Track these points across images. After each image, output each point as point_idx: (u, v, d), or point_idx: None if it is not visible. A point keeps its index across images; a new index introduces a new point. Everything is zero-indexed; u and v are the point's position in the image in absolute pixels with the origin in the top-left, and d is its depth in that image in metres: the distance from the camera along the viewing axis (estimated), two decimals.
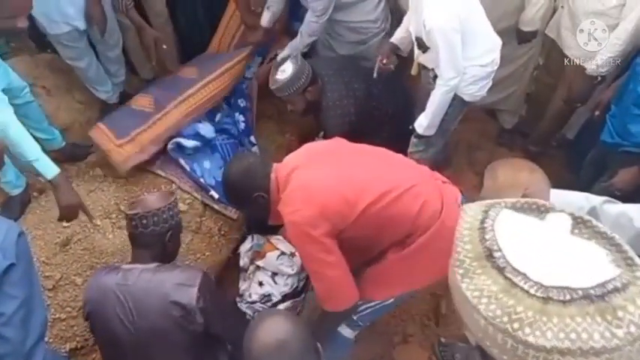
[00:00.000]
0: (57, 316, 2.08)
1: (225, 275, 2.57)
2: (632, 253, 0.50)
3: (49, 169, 1.87)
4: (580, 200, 1.43)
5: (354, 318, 1.78)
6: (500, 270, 0.50)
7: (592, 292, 0.47)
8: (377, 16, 2.69)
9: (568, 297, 0.47)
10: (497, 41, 2.21)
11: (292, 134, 3.09)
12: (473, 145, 3.12)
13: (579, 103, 2.57)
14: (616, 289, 0.47)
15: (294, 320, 1.12)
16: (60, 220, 1.95)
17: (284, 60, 2.40)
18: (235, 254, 2.58)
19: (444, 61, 2.02)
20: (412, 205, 1.59)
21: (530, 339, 0.48)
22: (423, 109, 2.28)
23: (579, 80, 2.43)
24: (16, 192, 2.41)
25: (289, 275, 2.41)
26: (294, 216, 1.53)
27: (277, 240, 2.50)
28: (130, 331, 1.55)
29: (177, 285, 1.53)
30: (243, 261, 2.53)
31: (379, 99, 2.58)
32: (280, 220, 1.66)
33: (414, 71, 2.36)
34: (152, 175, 2.54)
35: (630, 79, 2.13)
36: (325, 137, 2.56)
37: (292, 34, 2.81)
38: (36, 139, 2.53)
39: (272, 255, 2.44)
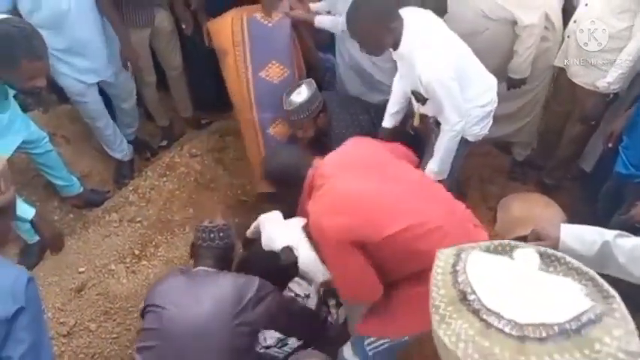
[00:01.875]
0: None
1: None
2: (607, 286, 0.50)
3: (28, 211, 1.90)
4: (593, 235, 1.40)
5: (368, 351, 1.76)
6: (476, 312, 0.50)
7: (567, 326, 0.46)
8: None
9: (544, 334, 0.47)
10: (493, 81, 2.21)
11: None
12: (485, 179, 3.10)
13: (593, 121, 2.56)
14: (591, 321, 0.46)
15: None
16: (51, 250, 2.01)
17: (299, 85, 2.45)
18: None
19: (448, 108, 2.02)
20: (437, 245, 1.53)
21: None
22: (430, 150, 2.28)
23: (592, 98, 2.45)
24: (34, 239, 2.46)
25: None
26: (320, 220, 1.51)
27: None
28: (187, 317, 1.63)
29: (236, 286, 1.69)
30: None
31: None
32: (304, 216, 1.73)
33: (416, 122, 2.38)
34: (166, 220, 2.58)
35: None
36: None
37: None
38: (55, 185, 2.65)
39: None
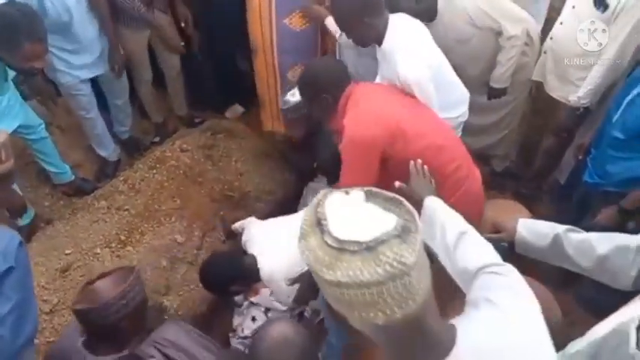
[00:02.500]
0: (51, 339, 2.14)
1: (219, 308, 2.62)
2: (412, 215, 0.71)
3: None
4: (546, 228, 1.51)
5: None
6: (323, 232, 0.70)
7: (370, 244, 0.66)
8: None
9: (356, 248, 0.66)
10: (466, 93, 2.32)
11: (291, 173, 3.22)
12: None
13: (565, 133, 2.70)
14: (383, 241, 0.66)
15: (300, 326, 1.27)
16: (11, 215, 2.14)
17: (295, 86, 2.56)
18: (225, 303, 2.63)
19: None
20: (449, 164, 1.82)
21: (327, 277, 0.68)
22: None
23: (565, 112, 2.60)
24: (24, 223, 2.55)
25: (282, 312, 2.45)
26: (355, 132, 1.72)
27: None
28: None
29: None
30: (238, 296, 2.58)
31: None
32: (335, 127, 1.86)
33: None
34: (154, 210, 2.67)
35: (605, 123, 2.24)
36: (318, 167, 2.69)
37: None
38: (48, 172, 2.74)
39: (266, 291, 2.49)
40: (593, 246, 1.40)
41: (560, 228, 1.47)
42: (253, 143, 3.29)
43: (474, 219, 1.82)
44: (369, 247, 0.66)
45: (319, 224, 0.70)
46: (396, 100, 1.90)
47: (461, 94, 2.32)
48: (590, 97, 2.42)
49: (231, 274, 2.03)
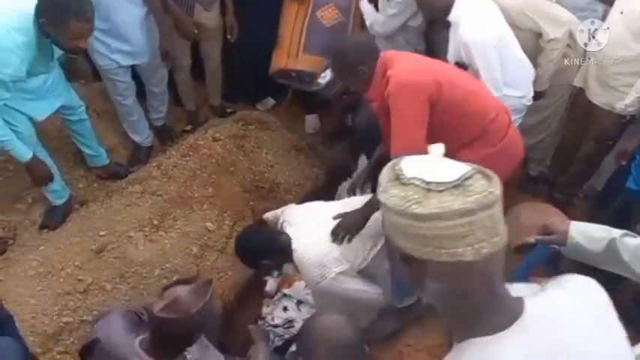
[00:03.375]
0: (84, 318, 2.17)
1: (247, 297, 2.63)
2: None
3: (25, 153, 2.21)
4: (600, 232, 1.46)
5: None
6: (403, 183, 0.74)
7: (456, 182, 0.70)
8: None
9: (442, 188, 0.70)
10: (532, 70, 2.29)
11: (320, 168, 3.22)
12: None
13: (610, 141, 2.62)
14: (468, 177, 0.71)
15: (348, 318, 1.29)
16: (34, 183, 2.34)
17: (326, 68, 2.60)
18: (257, 277, 2.65)
19: (484, 77, 2.11)
20: (490, 110, 1.93)
21: (417, 211, 0.71)
22: None
23: (608, 119, 2.52)
24: (59, 202, 2.59)
25: (314, 305, 2.45)
26: (402, 77, 1.80)
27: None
28: None
29: None
30: (270, 286, 2.59)
31: None
32: (376, 94, 1.91)
33: None
34: (186, 196, 2.69)
35: None
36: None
37: None
38: (84, 154, 2.78)
39: (299, 284, 2.50)
40: None
41: (615, 232, 1.43)
42: (284, 136, 3.29)
43: (514, 168, 2.09)
44: (456, 185, 0.70)
45: (397, 179, 0.74)
46: (428, 59, 2.04)
47: (528, 72, 2.28)
48: (638, 106, 2.35)
49: (264, 250, 2.02)
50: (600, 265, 1.45)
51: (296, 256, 1.96)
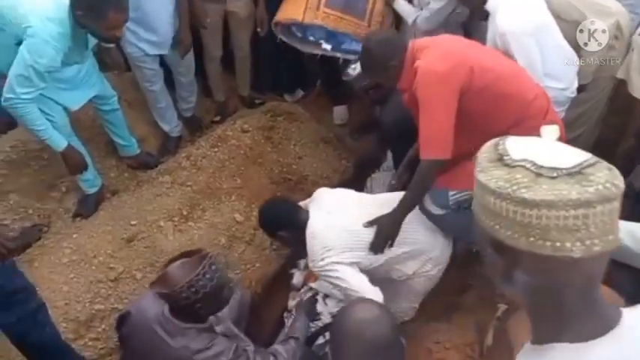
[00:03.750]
0: (115, 306, 2.20)
1: (274, 289, 2.63)
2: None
3: (60, 143, 2.25)
4: None
5: (450, 202, 1.96)
6: (507, 164, 0.66)
7: (573, 170, 0.62)
8: None
9: (555, 174, 0.62)
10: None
11: (348, 160, 3.19)
12: None
13: None
14: (589, 165, 0.62)
15: (387, 309, 1.24)
16: (70, 172, 2.40)
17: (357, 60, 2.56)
18: (284, 270, 2.64)
19: (522, 67, 2.04)
20: (527, 92, 1.86)
21: (525, 196, 0.62)
22: None
23: None
24: (92, 191, 2.63)
25: (340, 300, 2.44)
26: (429, 66, 1.76)
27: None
28: None
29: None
30: (297, 279, 2.58)
31: None
32: (406, 85, 1.87)
33: None
34: (215, 187, 2.70)
35: None
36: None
37: None
38: (116, 144, 2.81)
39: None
40: None
41: None
42: (312, 128, 3.27)
43: None
44: (572, 173, 0.62)
45: (501, 160, 0.67)
46: (460, 41, 1.99)
47: (571, 63, 2.21)
48: None
49: (282, 220, 2.05)
50: None
51: (308, 230, 1.97)
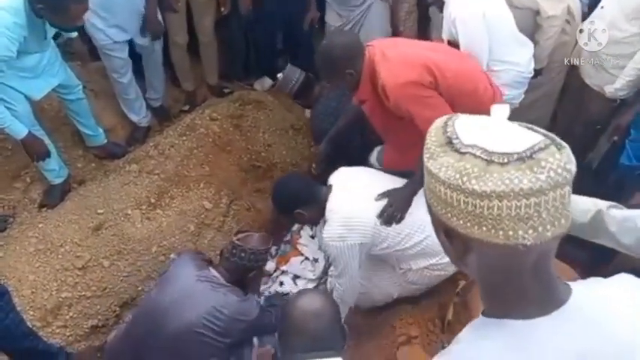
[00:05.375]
0: (83, 293, 2.21)
1: None
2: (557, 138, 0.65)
3: (21, 131, 2.23)
4: (587, 203, 1.46)
5: None
6: (457, 150, 0.64)
7: (524, 154, 0.60)
8: None
9: (506, 160, 0.60)
10: (530, 46, 2.28)
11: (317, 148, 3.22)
12: None
13: (599, 125, 2.60)
14: (541, 149, 0.60)
15: (330, 298, 1.33)
16: (31, 158, 2.37)
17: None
18: None
19: (469, 51, 2.10)
20: (480, 84, 1.95)
21: (475, 187, 0.61)
22: None
23: (598, 102, 2.49)
24: (58, 181, 2.62)
25: (310, 280, 2.49)
26: (400, 78, 1.80)
27: (303, 246, 2.59)
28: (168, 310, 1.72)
29: (232, 311, 1.73)
30: (269, 266, 2.61)
31: None
32: (364, 95, 1.94)
33: None
34: (183, 175, 2.71)
35: None
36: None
37: None
38: (82, 134, 2.79)
39: (296, 260, 2.54)
40: (637, 223, 1.37)
41: (602, 204, 1.43)
42: (281, 116, 3.29)
43: None
44: (522, 158, 0.59)
45: (450, 143, 0.64)
46: (415, 45, 2.02)
47: (526, 47, 2.28)
48: (629, 90, 2.33)
49: (303, 196, 1.96)
50: (588, 237, 1.46)
51: (328, 205, 1.90)
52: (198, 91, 3.46)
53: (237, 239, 1.86)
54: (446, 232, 0.68)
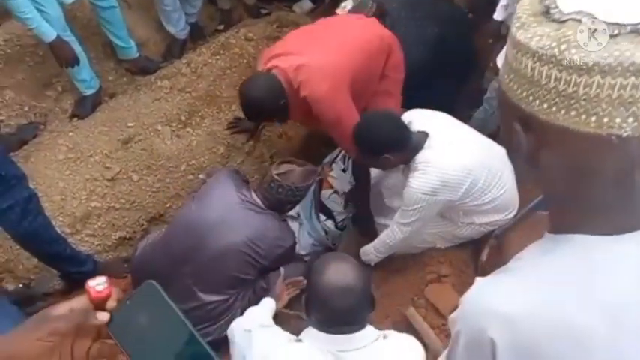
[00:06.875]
0: (112, 205, 2.20)
1: None
2: None
3: (49, 33, 2.14)
4: None
5: None
6: (555, 20, 0.52)
7: (639, 26, 0.48)
8: None
9: (616, 32, 0.49)
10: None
11: None
12: None
13: None
14: None
15: (361, 270, 1.22)
16: (61, 64, 2.29)
17: None
18: None
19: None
20: (376, 41, 2.01)
21: (575, 57, 0.50)
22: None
23: None
24: (89, 92, 2.56)
25: (339, 212, 2.43)
26: (321, 93, 1.85)
27: (334, 179, 2.51)
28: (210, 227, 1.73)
29: (273, 237, 1.76)
30: None
31: (449, 50, 2.48)
32: (297, 117, 2.05)
33: None
34: (215, 95, 2.61)
35: None
36: None
37: None
38: (114, 45, 2.70)
39: (326, 192, 2.47)
40: None
41: None
42: None
43: None
44: (637, 30, 0.48)
45: (547, 13, 0.52)
46: (316, 46, 1.95)
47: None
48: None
49: (395, 141, 1.70)
50: None
51: (424, 157, 1.69)
52: (234, 10, 3.30)
53: (277, 174, 1.78)
54: (522, 122, 0.57)
